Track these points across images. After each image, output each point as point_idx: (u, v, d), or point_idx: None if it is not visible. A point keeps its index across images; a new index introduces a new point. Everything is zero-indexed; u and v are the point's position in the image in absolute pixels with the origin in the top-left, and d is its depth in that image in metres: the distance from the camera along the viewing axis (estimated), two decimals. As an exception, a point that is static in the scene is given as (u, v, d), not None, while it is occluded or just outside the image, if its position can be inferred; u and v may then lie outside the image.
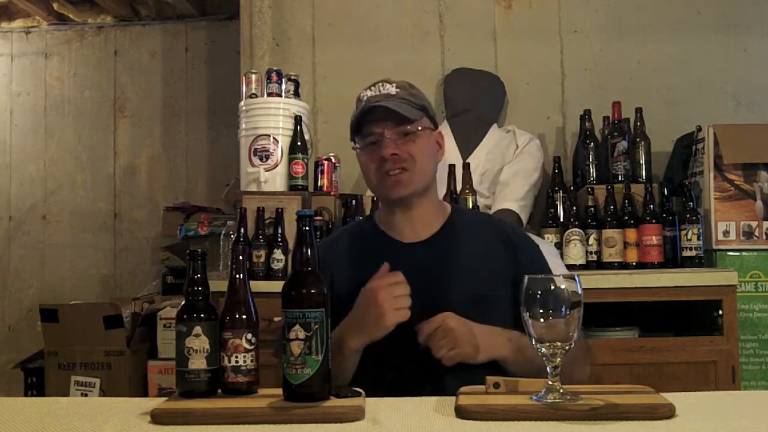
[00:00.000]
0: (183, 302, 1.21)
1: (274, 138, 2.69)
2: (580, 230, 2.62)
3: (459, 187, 2.59)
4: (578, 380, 1.36)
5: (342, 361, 1.36)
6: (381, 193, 1.52)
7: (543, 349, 1.10)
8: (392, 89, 1.50)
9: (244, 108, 2.77)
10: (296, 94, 2.80)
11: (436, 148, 1.55)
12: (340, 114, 3.21)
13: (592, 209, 2.66)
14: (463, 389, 1.18)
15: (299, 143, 2.71)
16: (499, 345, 1.37)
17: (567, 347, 1.10)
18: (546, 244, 2.44)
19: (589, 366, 1.52)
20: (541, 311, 1.10)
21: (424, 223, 1.53)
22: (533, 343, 1.12)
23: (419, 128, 1.48)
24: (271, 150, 2.69)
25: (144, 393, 2.89)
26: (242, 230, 2.50)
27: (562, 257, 2.56)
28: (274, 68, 2.81)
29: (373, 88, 1.52)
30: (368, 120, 1.48)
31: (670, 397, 1.11)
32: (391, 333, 1.40)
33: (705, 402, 1.19)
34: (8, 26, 4.57)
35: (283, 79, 2.79)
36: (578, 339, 1.43)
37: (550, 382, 1.10)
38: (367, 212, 2.58)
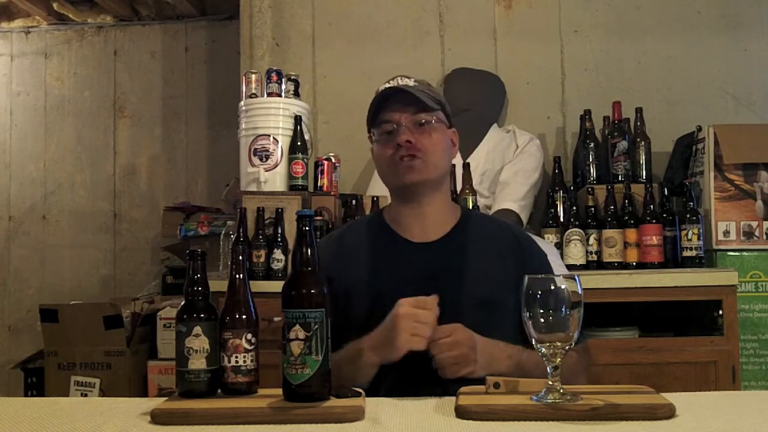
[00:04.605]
0: (183, 302, 1.21)
1: (274, 138, 2.69)
2: (580, 230, 2.62)
3: (459, 187, 2.59)
4: None
5: (357, 372, 1.34)
6: (393, 180, 1.51)
7: (543, 349, 1.10)
8: (411, 82, 1.51)
9: (244, 108, 2.77)
10: (296, 94, 2.80)
11: (450, 144, 1.54)
12: (340, 114, 3.23)
13: (592, 209, 2.66)
14: (463, 389, 1.18)
15: (299, 143, 2.71)
16: (499, 362, 1.34)
17: (567, 347, 1.10)
18: (546, 244, 2.44)
19: (585, 377, 1.51)
20: (541, 311, 1.10)
21: (434, 223, 1.52)
22: (533, 343, 1.11)
23: (434, 119, 1.49)
24: (271, 150, 2.69)
25: (144, 393, 2.89)
26: (242, 230, 2.50)
27: (562, 257, 2.56)
28: (274, 68, 2.81)
29: (391, 81, 1.53)
30: (385, 107, 1.48)
31: (670, 397, 1.11)
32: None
33: (705, 402, 1.19)
34: (8, 26, 4.56)
35: (283, 79, 2.79)
36: (578, 353, 1.43)
37: (550, 382, 1.10)
38: (367, 212, 2.58)
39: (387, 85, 1.52)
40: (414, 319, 1.28)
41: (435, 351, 1.30)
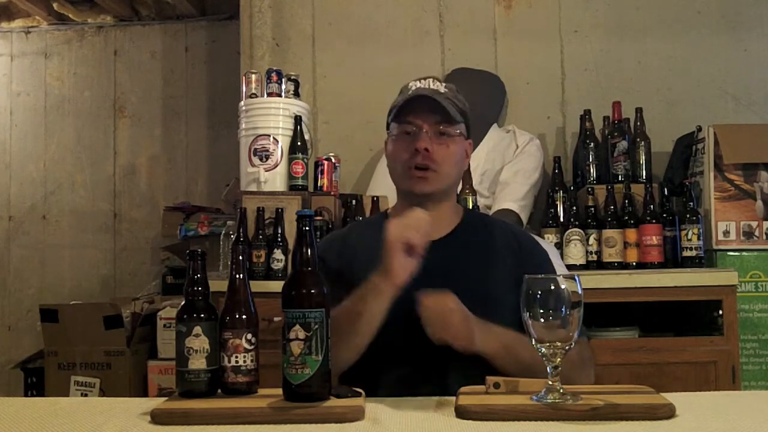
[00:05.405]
0: (183, 302, 1.21)
1: (274, 138, 2.69)
2: (580, 230, 2.62)
3: (459, 187, 2.59)
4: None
5: (359, 320, 1.32)
6: (404, 185, 1.52)
7: (543, 349, 1.10)
8: (441, 87, 1.51)
9: (244, 108, 2.77)
10: (296, 94, 2.80)
11: (464, 156, 1.55)
12: (340, 114, 3.23)
13: (592, 209, 2.66)
14: (463, 389, 1.17)
15: (299, 143, 2.71)
16: (489, 340, 1.35)
17: (567, 347, 1.10)
18: (546, 244, 2.44)
19: (592, 371, 1.51)
20: (541, 311, 1.10)
21: (437, 224, 1.51)
22: (533, 343, 1.11)
23: (457, 132, 1.49)
24: (271, 150, 2.69)
25: (144, 393, 2.89)
26: (242, 230, 2.50)
27: (562, 257, 2.56)
28: (274, 68, 2.81)
29: (423, 80, 1.52)
30: (411, 109, 1.48)
31: (670, 397, 1.11)
32: (391, 333, 1.40)
33: (705, 402, 1.19)
34: (8, 26, 4.57)
35: (283, 79, 2.78)
36: (580, 346, 1.43)
37: (550, 382, 1.10)
38: (367, 212, 2.59)
39: (418, 84, 1.51)
40: (403, 239, 1.28)
41: (424, 313, 1.30)
